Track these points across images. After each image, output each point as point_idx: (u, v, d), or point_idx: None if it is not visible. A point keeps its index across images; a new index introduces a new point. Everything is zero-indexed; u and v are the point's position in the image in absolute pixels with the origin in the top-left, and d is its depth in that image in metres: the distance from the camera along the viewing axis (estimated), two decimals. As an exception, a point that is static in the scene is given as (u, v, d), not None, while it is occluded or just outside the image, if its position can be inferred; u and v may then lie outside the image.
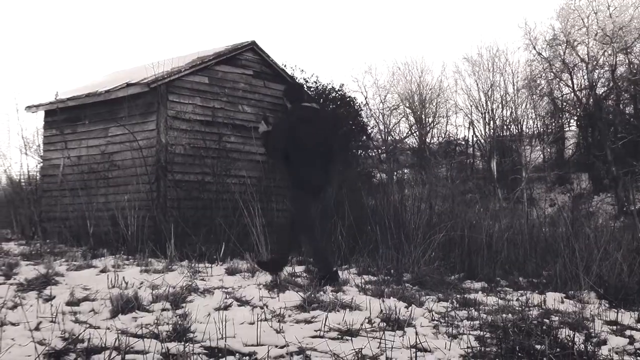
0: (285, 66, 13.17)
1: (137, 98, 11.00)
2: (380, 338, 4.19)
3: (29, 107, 12.97)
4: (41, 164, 12.91)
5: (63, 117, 12.16)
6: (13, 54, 56.72)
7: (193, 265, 7.94)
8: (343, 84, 14.08)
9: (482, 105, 30.86)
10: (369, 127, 16.45)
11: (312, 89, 13.59)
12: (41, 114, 13.06)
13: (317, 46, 53.67)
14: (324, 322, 4.61)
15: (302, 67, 23.31)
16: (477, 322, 4.97)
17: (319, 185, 6.92)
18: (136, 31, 63.55)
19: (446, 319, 5.09)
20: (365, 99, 32.37)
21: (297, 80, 13.26)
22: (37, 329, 4.34)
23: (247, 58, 12.42)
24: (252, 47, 12.49)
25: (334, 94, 13.68)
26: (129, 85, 11.14)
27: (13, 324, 4.50)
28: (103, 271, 7.44)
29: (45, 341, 3.88)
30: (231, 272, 7.66)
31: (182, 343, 3.99)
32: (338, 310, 5.18)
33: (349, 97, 13.94)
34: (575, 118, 29.44)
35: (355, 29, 55.46)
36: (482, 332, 4.53)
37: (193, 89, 11.32)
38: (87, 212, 10.51)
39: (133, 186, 10.70)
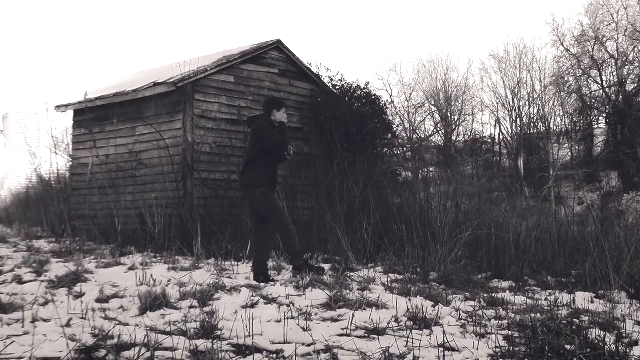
0: (310, 65, 13.17)
1: (164, 97, 11.10)
2: (407, 337, 4.17)
3: (58, 107, 13.16)
4: (70, 163, 13.09)
5: (92, 117, 12.32)
6: (43, 55, 57.63)
7: (219, 263, 8.00)
8: (368, 82, 13.99)
9: (509, 102, 30.53)
10: (394, 126, 16.30)
11: (337, 87, 13.56)
12: (70, 113, 13.25)
13: (343, 44, 53.63)
14: (350, 320, 4.60)
15: (327, 66, 23.29)
16: (505, 321, 4.92)
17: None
18: (163, 30, 64.14)
19: (474, 318, 5.05)
20: (391, 97, 32.25)
21: (322, 79, 13.27)
22: (68, 325, 4.40)
23: (273, 57, 12.46)
24: (278, 45, 12.52)
25: (359, 92, 13.62)
26: (156, 84, 11.24)
27: (45, 320, 4.57)
28: (131, 269, 7.53)
29: (76, 337, 3.93)
30: (256, 269, 7.69)
31: (210, 340, 4.01)
32: (364, 309, 5.16)
33: (374, 95, 13.86)
34: (605, 115, 28.97)
35: (380, 27, 55.30)
36: (510, 332, 4.48)
37: (219, 87, 11.39)
38: (115, 210, 10.65)
39: (160, 184, 10.80)
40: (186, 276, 6.73)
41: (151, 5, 66.80)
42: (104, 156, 12.07)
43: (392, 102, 30.11)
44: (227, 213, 10.18)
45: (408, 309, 5.04)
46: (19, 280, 6.38)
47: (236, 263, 8.05)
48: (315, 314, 5.08)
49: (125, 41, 64.71)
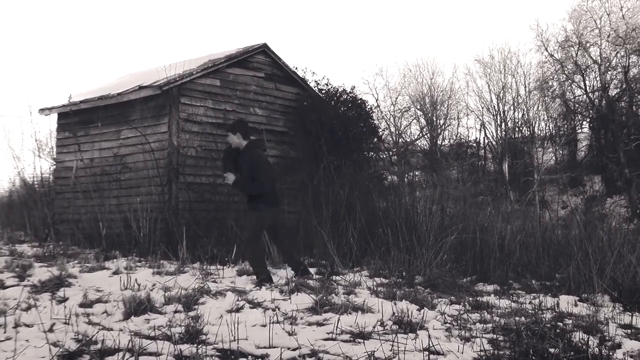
0: (296, 69, 13.16)
1: (149, 101, 11.04)
2: (392, 341, 4.18)
3: (42, 110, 13.05)
4: (54, 167, 12.98)
5: (76, 120, 12.23)
6: (26, 57, 57.10)
7: (205, 267, 7.96)
8: (354, 87, 13.99)
9: (494, 107, 30.70)
10: (380, 130, 16.35)
11: (323, 92, 13.57)
12: (54, 116, 13.13)
13: (328, 48, 53.66)
14: (336, 324, 4.60)
15: (313, 70, 23.27)
16: (490, 325, 4.94)
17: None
18: (148, 33, 63.81)
19: (459, 321, 5.07)
20: (377, 101, 32.31)
21: (308, 83, 13.28)
22: (51, 330, 4.36)
23: (259, 60, 12.45)
24: (264, 49, 12.51)
25: (345, 96, 13.64)
26: (141, 88, 11.18)
27: (27, 326, 4.53)
28: (116, 273, 7.48)
29: (59, 343, 3.89)
30: (242, 274, 7.68)
31: (195, 345, 4.00)
32: (350, 313, 5.17)
33: (360, 99, 13.89)
34: (588, 120, 29.21)
35: (366, 30, 55.40)
36: (495, 335, 4.50)
37: (205, 91, 11.35)
38: (99, 214, 10.57)
39: (145, 188, 10.73)
40: (171, 280, 6.70)
41: (137, 8, 66.45)
42: (89, 160, 11.98)
43: (378, 106, 30.20)
44: (213, 217, 10.15)
45: (393, 313, 5.06)
46: (1, 285, 6.32)
47: (221, 267, 8.02)
48: (301, 318, 5.08)
49: (110, 44, 64.29)
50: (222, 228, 9.56)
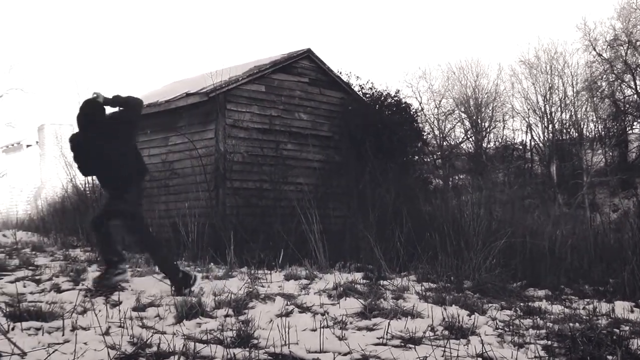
0: (340, 73, 13.20)
1: (196, 107, 11.22)
2: (444, 346, 4.14)
3: (92, 118, 13.36)
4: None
5: (125, 127, 12.48)
6: (78, 66, 58.68)
7: (252, 271, 8.03)
8: (399, 90, 13.98)
9: (540, 108, 30.17)
10: (424, 133, 16.26)
11: (367, 96, 13.57)
12: (105, 124, 13.43)
13: (371, 52, 53.63)
14: (386, 329, 4.59)
15: (357, 74, 23.32)
16: (543, 331, 4.85)
17: None
18: (195, 41, 64.90)
19: (511, 327, 4.99)
20: (420, 104, 32.14)
21: (352, 87, 13.30)
22: (106, 333, 4.46)
23: (303, 66, 12.52)
24: (308, 54, 12.59)
25: (389, 100, 13.61)
26: (188, 95, 11.38)
27: (84, 329, 4.63)
28: (165, 277, 7.59)
29: (115, 346, 3.98)
30: (290, 278, 7.71)
31: (247, 349, 4.04)
32: (399, 318, 5.14)
33: (405, 102, 13.84)
34: (639, 120, 28.45)
35: (408, 34, 55.18)
36: (549, 342, 4.42)
37: (250, 97, 11.48)
38: (148, 219, 10.76)
39: (193, 194, 10.90)
40: (220, 284, 6.77)
41: (182, 16, 67.73)
42: (138, 166, 12.22)
43: (422, 109, 30.03)
44: (259, 222, 10.23)
45: (444, 318, 5.01)
46: (58, 289, 6.48)
47: (269, 272, 8.08)
48: (350, 323, 5.08)
49: (158, 52, 65.63)
50: (268, 233, 9.63)
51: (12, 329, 4.40)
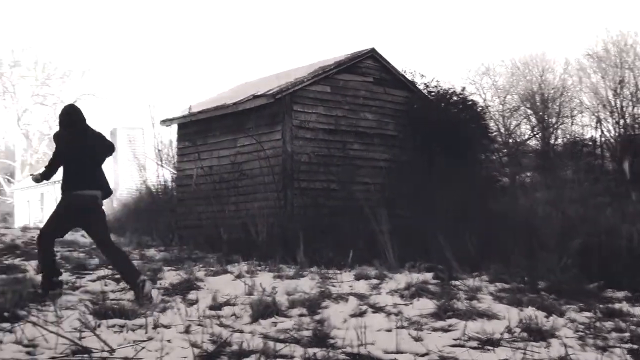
0: (405, 72, 13.13)
1: (263, 109, 11.39)
2: (524, 349, 4.07)
3: (163, 121, 13.77)
4: (176, 175, 13.64)
5: (195, 130, 12.81)
6: (148, 70, 60.46)
7: (322, 271, 8.09)
8: (464, 88, 13.78)
9: (610, 103, 29.10)
10: (490, 131, 15.98)
11: (432, 94, 13.44)
12: (174, 127, 13.82)
13: (433, 50, 53.05)
14: (463, 330, 4.55)
15: (421, 72, 22.95)
16: (627, 334, 4.70)
17: None
18: (260, 43, 65.78)
19: (591, 330, 4.86)
20: (484, 101, 31.53)
21: (417, 86, 13.20)
22: (187, 331, 4.59)
23: (367, 65, 12.52)
24: (372, 54, 12.57)
25: (455, 98, 13.44)
26: (255, 97, 11.56)
27: (165, 327, 4.78)
28: (238, 277, 7.72)
29: (197, 343, 4.10)
30: (360, 278, 7.73)
31: (324, 349, 4.08)
32: (475, 319, 5.08)
33: (471, 100, 13.65)
34: None
35: (470, 30, 54.28)
36: (635, 345, 4.28)
37: (316, 98, 11.56)
38: (219, 220, 11.00)
39: (261, 194, 11.07)
40: (292, 284, 6.85)
41: (247, 18, 68.75)
42: (208, 167, 12.51)
43: (487, 106, 29.48)
44: (328, 222, 10.28)
45: (521, 320, 4.92)
46: (138, 288, 6.69)
47: (339, 271, 8.12)
48: (425, 324, 5.06)
49: (224, 55, 66.91)
50: (337, 232, 9.67)
51: (98, 326, 4.59)
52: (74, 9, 64.46)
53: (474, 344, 4.38)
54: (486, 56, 50.46)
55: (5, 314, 4.57)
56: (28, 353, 3.61)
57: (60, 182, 6.25)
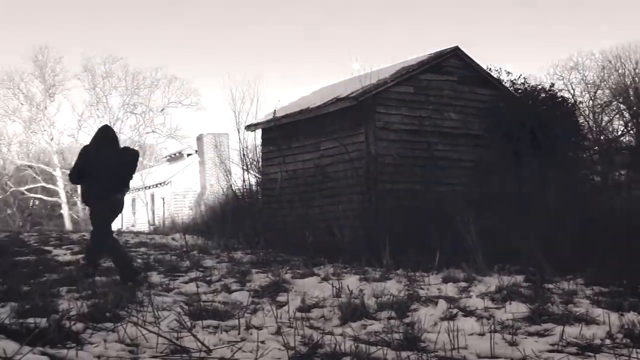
0: (490, 70, 12.85)
1: (346, 112, 11.42)
2: (627, 356, 3.88)
3: (248, 127, 14.06)
4: (260, 179, 13.89)
5: (279, 134, 13.00)
6: (230, 76, 61.98)
7: (409, 274, 8.01)
8: (553, 84, 13.33)
9: None
10: (581, 127, 15.36)
11: (519, 91, 13.06)
12: (259, 132, 14.09)
13: (516, 46, 51.64)
14: (560, 335, 4.38)
15: (507, 69, 22.31)
16: None
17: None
18: (339, 44, 66.16)
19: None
20: (572, 97, 30.40)
21: (503, 83, 12.89)
22: (278, 333, 4.65)
23: (451, 64, 12.33)
24: (456, 52, 12.38)
25: (543, 95, 13.02)
26: (337, 100, 11.61)
27: (257, 328, 4.86)
28: (324, 279, 7.77)
29: (289, 345, 4.14)
30: (448, 281, 7.61)
31: (416, 352, 4.03)
32: (572, 324, 4.89)
33: (561, 97, 13.18)
34: None
35: (556, 24, 52.46)
36: None
37: (399, 99, 11.49)
38: (304, 223, 11.11)
39: (345, 197, 11.10)
40: (379, 287, 6.83)
41: (329, 22, 69.31)
42: (292, 171, 12.66)
43: (575, 102, 28.42)
44: (413, 224, 10.18)
45: (622, 325, 4.69)
46: (227, 290, 6.87)
47: (426, 274, 8.02)
48: (519, 328, 4.91)
49: (304, 59, 67.76)
50: (422, 234, 9.56)
51: (194, 326, 4.73)
52: (161, 20, 67.00)
53: (573, 349, 4.21)
54: (574, 50, 48.58)
55: (107, 314, 4.78)
56: (130, 352, 3.76)
57: (95, 188, 7.30)
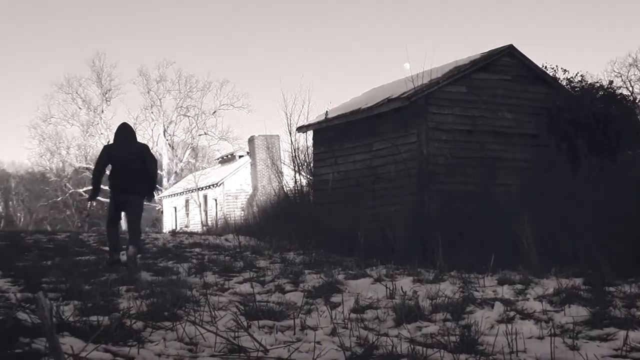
0: (545, 68, 12.58)
1: (398, 112, 11.36)
2: (696, 362, 3.74)
3: (300, 128, 14.14)
4: (312, 179, 13.94)
5: (330, 135, 13.03)
6: (283, 79, 62.52)
7: (463, 275, 7.91)
8: (612, 81, 12.94)
9: None
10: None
11: (576, 89, 12.74)
12: (310, 133, 14.15)
13: (571, 43, 50.37)
14: (624, 340, 4.25)
15: (564, 67, 21.66)
16: None
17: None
18: (389, 45, 65.91)
19: None
20: (632, 94, 29.47)
21: (559, 82, 12.60)
22: (333, 333, 4.66)
23: (505, 63, 12.13)
24: (510, 51, 12.16)
25: (601, 93, 12.66)
26: (390, 100, 11.56)
27: (311, 328, 4.88)
28: (377, 280, 7.75)
29: (345, 346, 4.14)
30: (503, 283, 7.48)
31: (473, 355, 3.98)
32: (636, 328, 4.73)
33: (620, 94, 12.80)
34: None
35: (614, 19, 50.95)
36: None
37: (451, 99, 11.37)
38: (355, 224, 11.10)
39: (398, 198, 11.05)
40: (433, 288, 6.77)
41: (377, 23, 69.16)
42: (343, 172, 12.67)
43: (635, 99, 27.56)
44: (466, 224, 10.05)
45: (693, 331, 4.52)
46: (281, 290, 6.92)
47: (480, 276, 7.91)
48: (579, 332, 4.79)
49: (354, 60, 67.78)
50: (476, 236, 9.43)
51: (249, 326, 4.78)
52: (212, 23, 68.04)
53: (638, 354, 4.08)
54: (633, 46, 47.06)
55: (165, 313, 4.87)
56: (189, 350, 3.82)
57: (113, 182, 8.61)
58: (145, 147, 9.08)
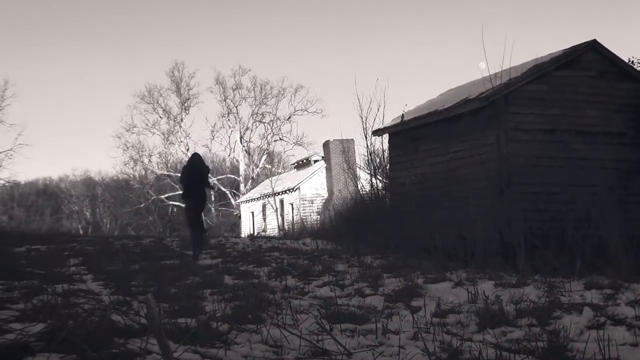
0: (632, 62, 12.06)
1: (476, 113, 11.16)
2: None
3: (375, 132, 14.11)
4: (388, 183, 13.88)
5: (406, 138, 12.94)
6: (358, 84, 62.51)
7: (547, 279, 7.68)
8: None
9: None
10: None
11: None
12: (385, 136, 14.09)
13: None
14: None
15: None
16: None
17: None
18: (462, 45, 64.85)
19: None
20: None
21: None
22: (415, 338, 4.62)
23: (588, 59, 11.70)
24: (593, 46, 11.73)
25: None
26: (467, 101, 11.37)
27: (393, 332, 4.85)
28: (457, 284, 7.62)
29: (428, 351, 4.10)
30: (591, 287, 7.21)
31: (563, 362, 3.86)
32: None
33: None
34: None
35: None
36: None
37: (532, 97, 11.07)
38: (433, 227, 10.96)
39: (476, 200, 10.84)
40: (516, 293, 6.60)
41: (452, 22, 68.27)
42: (420, 174, 12.55)
43: None
44: (549, 227, 9.77)
45: None
46: (361, 294, 6.91)
47: (566, 280, 7.65)
48: (677, 339, 4.55)
49: (429, 60, 67.11)
50: (560, 238, 9.14)
51: (331, 329, 4.80)
52: (285, 30, 68.93)
53: None
54: None
55: (249, 316, 4.96)
56: (275, 353, 3.88)
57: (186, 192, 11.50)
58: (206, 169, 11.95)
